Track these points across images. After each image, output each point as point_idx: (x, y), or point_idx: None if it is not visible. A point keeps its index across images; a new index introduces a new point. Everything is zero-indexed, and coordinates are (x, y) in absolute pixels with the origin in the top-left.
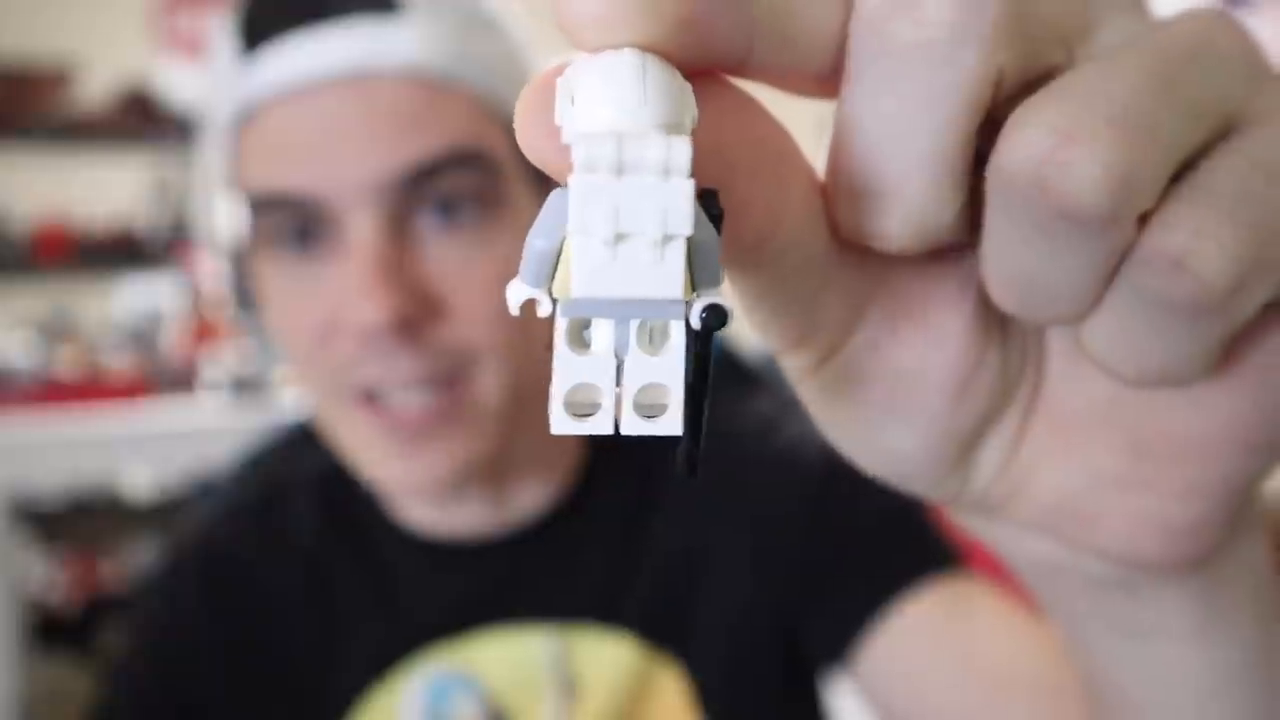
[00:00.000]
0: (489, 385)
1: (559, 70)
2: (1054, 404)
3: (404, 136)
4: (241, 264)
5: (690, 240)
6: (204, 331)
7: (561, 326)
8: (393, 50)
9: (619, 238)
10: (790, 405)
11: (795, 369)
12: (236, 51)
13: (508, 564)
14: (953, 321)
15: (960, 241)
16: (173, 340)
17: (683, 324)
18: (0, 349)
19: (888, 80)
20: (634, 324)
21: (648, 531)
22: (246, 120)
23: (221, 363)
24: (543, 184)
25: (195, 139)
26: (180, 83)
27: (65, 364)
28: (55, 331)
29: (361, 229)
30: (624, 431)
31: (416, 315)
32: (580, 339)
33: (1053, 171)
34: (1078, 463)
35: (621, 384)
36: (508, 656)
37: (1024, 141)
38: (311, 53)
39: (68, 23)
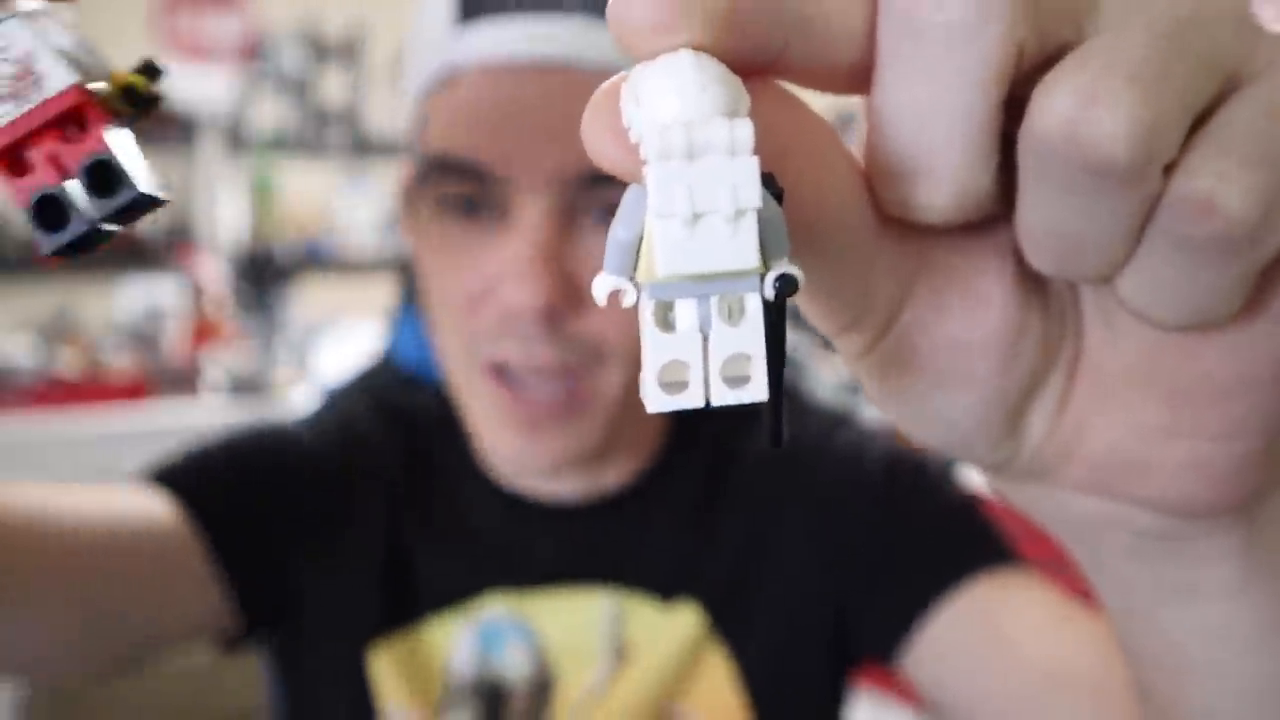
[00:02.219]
0: (613, 382)
1: (620, 79)
2: (1093, 364)
3: None
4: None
5: (759, 214)
6: (204, 331)
7: (648, 309)
8: (602, 48)
9: (696, 217)
10: (848, 420)
11: (851, 350)
12: (451, 18)
13: (583, 530)
14: (995, 289)
15: (994, 213)
16: (173, 340)
17: (758, 295)
18: (2, 349)
19: (918, 61)
20: (714, 300)
21: (716, 514)
22: (445, 84)
23: (222, 363)
24: None
25: (195, 139)
26: (180, 83)
27: (66, 364)
28: (56, 332)
29: (533, 213)
30: (714, 402)
31: (562, 305)
32: (666, 320)
33: (1083, 129)
34: (1121, 417)
35: (708, 358)
36: (566, 615)
37: (1054, 104)
38: (527, 35)
39: (67, 23)
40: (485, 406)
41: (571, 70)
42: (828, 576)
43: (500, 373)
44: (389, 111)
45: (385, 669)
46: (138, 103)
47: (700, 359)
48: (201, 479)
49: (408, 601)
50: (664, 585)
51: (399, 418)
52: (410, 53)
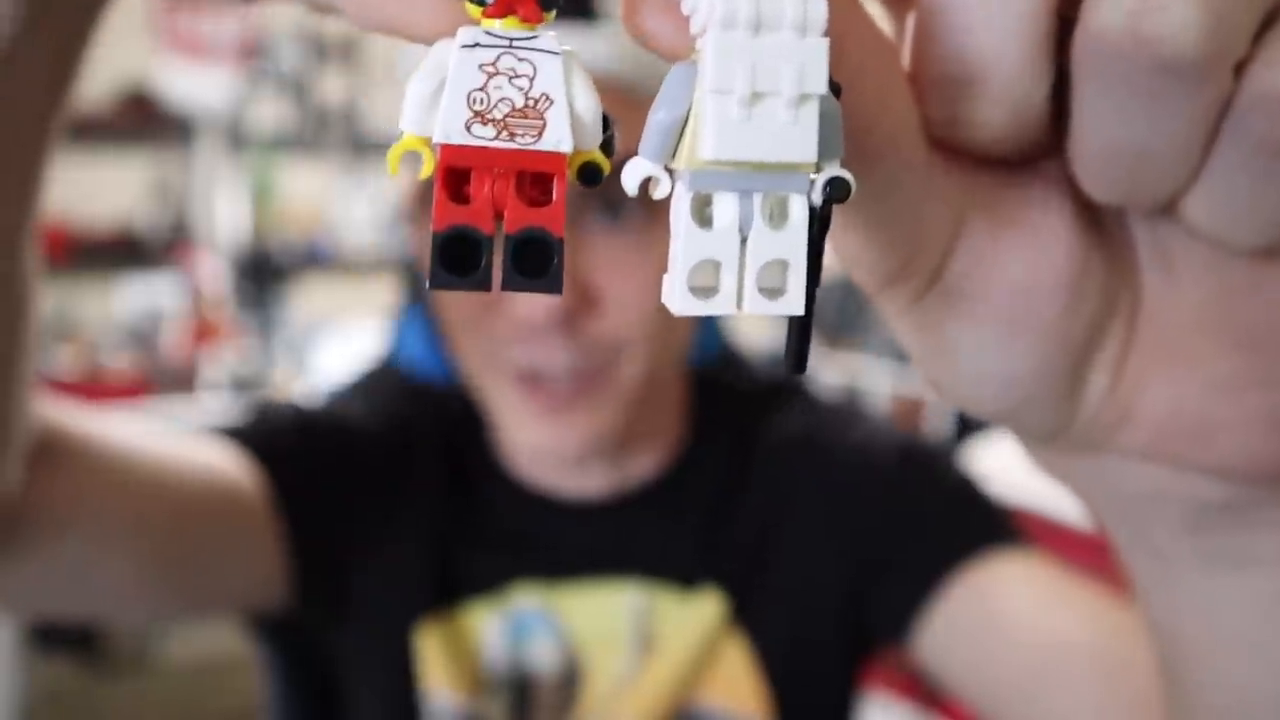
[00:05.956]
0: (632, 371)
1: None
2: (1154, 312)
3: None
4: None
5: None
6: (204, 331)
7: (685, 201)
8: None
9: (755, 96)
10: (861, 413)
11: (901, 301)
12: None
13: (609, 524)
14: (1054, 224)
15: (1047, 145)
16: (173, 340)
17: (805, 198)
18: None
19: None
20: (757, 199)
21: (737, 503)
22: None
23: (221, 362)
24: None
25: (195, 139)
26: (180, 83)
27: (66, 364)
28: (56, 331)
29: None
30: (746, 310)
31: (574, 309)
32: (703, 216)
33: (1148, 21)
34: (1188, 371)
35: (745, 261)
36: (594, 608)
37: None
38: None
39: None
40: (509, 405)
41: None
42: (843, 562)
43: (524, 377)
44: (388, 111)
45: (430, 650)
46: (589, 179)
47: (736, 262)
48: (278, 444)
49: (450, 585)
50: (687, 574)
51: (437, 410)
52: (407, 57)
